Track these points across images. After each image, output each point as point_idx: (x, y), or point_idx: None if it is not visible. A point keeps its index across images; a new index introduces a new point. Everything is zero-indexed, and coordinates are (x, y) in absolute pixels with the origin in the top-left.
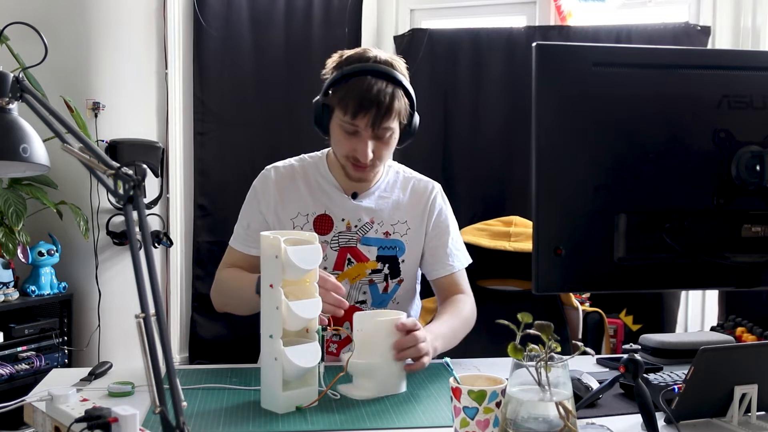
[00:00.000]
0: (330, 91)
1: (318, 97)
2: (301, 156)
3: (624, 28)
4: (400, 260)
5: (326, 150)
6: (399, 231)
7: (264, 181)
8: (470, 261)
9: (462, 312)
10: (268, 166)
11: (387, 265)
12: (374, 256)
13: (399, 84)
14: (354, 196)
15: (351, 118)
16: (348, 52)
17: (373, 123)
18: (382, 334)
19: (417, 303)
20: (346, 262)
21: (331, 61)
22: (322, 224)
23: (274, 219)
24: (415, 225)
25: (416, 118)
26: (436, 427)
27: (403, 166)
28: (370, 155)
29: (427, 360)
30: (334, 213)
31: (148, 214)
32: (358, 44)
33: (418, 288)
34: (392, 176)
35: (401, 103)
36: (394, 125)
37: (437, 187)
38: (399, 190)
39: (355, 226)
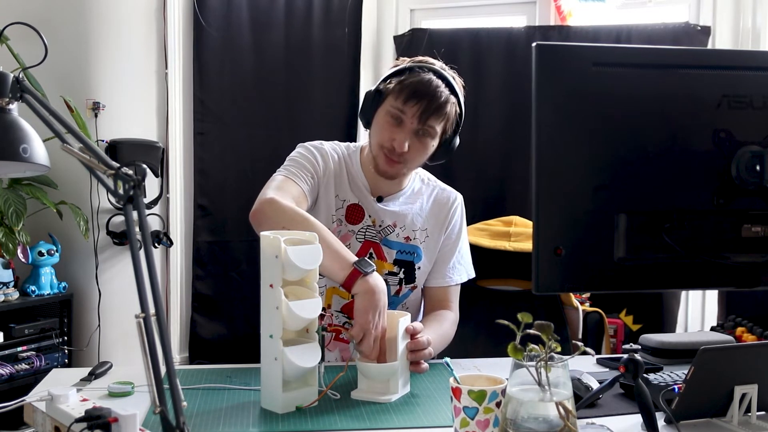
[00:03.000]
0: (387, 81)
1: (371, 89)
2: (337, 142)
3: (624, 28)
4: (416, 267)
5: (359, 145)
6: (419, 238)
7: (321, 150)
8: (472, 275)
9: (442, 327)
10: (314, 142)
11: (403, 270)
12: (392, 258)
13: (456, 94)
14: (379, 199)
15: (402, 103)
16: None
17: (421, 114)
18: (396, 336)
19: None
20: (369, 255)
21: (393, 64)
22: (354, 213)
23: (323, 187)
24: (433, 233)
25: (457, 139)
26: (436, 427)
27: (429, 174)
28: (406, 148)
29: (426, 365)
30: (365, 207)
31: (148, 214)
32: (358, 44)
33: None
34: (418, 184)
35: (452, 111)
36: (438, 129)
37: (459, 199)
38: (424, 197)
39: (380, 226)
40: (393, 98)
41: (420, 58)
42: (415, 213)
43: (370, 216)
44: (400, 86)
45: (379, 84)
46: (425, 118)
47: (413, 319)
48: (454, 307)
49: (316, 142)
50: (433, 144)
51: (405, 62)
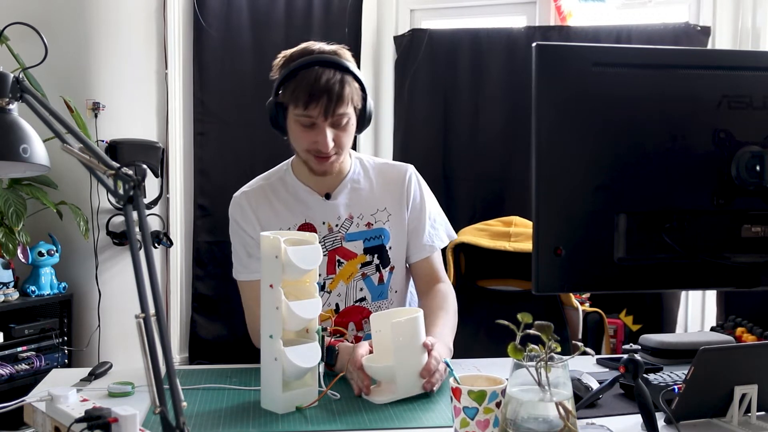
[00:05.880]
0: (281, 90)
1: (270, 99)
2: (267, 173)
3: (624, 28)
4: (387, 247)
5: (290, 159)
6: (381, 219)
7: (239, 208)
8: (454, 236)
9: (451, 307)
10: (236, 193)
11: (376, 255)
12: (361, 249)
13: (347, 71)
14: (327, 196)
15: (303, 109)
16: (290, 51)
17: (326, 111)
18: (402, 334)
19: (412, 293)
20: (336, 263)
21: (277, 63)
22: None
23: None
24: (395, 210)
25: (370, 103)
26: (436, 427)
27: (368, 155)
28: (331, 144)
29: (438, 384)
30: (314, 219)
31: (148, 214)
32: (359, 44)
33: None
34: (358, 166)
35: (351, 88)
36: (349, 111)
37: (410, 169)
38: (371, 179)
39: (336, 226)
40: (293, 107)
41: (300, 49)
42: (366, 198)
43: (324, 223)
44: (294, 94)
45: (276, 95)
46: (332, 112)
47: (402, 302)
48: (443, 277)
49: (234, 206)
50: (352, 122)
51: (286, 59)
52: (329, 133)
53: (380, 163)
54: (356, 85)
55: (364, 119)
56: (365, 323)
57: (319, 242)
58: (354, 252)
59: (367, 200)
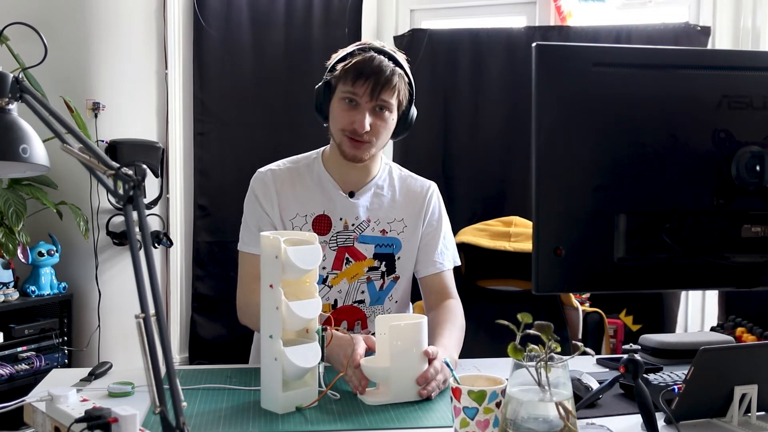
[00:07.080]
0: (332, 71)
1: (319, 83)
2: (295, 157)
3: (624, 28)
4: (396, 257)
5: (321, 149)
6: (396, 229)
7: (262, 182)
8: (458, 263)
9: (458, 321)
10: (262, 168)
11: (384, 263)
12: (371, 253)
13: (400, 66)
14: (351, 195)
15: (351, 85)
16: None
17: (372, 91)
18: (400, 338)
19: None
20: (344, 261)
21: (335, 55)
22: (321, 224)
23: (278, 220)
24: (411, 223)
25: (413, 110)
26: (436, 427)
27: (398, 165)
28: (368, 127)
29: (435, 393)
30: (332, 212)
31: (148, 215)
32: None
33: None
34: (387, 173)
35: (401, 82)
36: (392, 102)
37: (433, 187)
38: (395, 188)
39: (353, 225)
40: (342, 84)
41: (358, 42)
42: (387, 206)
43: (341, 219)
44: (345, 71)
45: (325, 76)
46: (377, 94)
47: (403, 312)
48: (455, 293)
49: (257, 180)
50: (393, 118)
51: (345, 50)
52: (368, 116)
53: (406, 174)
54: (406, 82)
55: (404, 124)
56: (357, 324)
57: (332, 238)
58: (364, 254)
59: (386, 208)
